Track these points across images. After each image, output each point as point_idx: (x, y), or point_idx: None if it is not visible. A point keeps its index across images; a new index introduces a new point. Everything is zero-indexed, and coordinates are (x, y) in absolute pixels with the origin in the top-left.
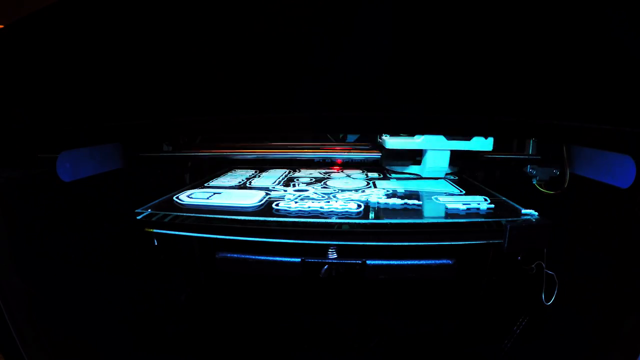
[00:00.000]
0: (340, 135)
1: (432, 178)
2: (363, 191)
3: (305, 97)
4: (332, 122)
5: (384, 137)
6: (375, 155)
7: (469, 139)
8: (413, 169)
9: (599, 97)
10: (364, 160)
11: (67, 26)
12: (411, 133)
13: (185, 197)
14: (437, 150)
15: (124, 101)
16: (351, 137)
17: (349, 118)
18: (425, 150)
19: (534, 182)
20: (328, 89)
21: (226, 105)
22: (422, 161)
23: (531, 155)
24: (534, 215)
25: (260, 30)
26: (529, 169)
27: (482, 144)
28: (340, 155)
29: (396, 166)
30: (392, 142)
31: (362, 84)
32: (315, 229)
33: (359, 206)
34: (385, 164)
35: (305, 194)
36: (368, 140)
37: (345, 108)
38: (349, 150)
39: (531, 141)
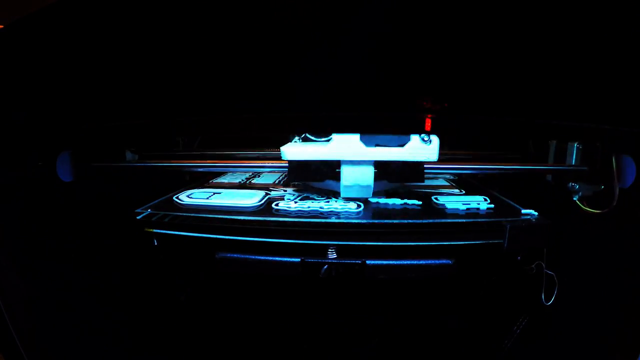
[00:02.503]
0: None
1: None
2: None
3: (304, 97)
4: (333, 122)
5: (287, 145)
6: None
7: (401, 145)
8: (330, 184)
9: (598, 97)
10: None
11: (66, 26)
12: (406, 132)
13: (185, 197)
14: (355, 162)
15: (124, 101)
16: None
17: (346, 118)
18: (342, 162)
19: (574, 199)
20: (327, 88)
21: (224, 105)
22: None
23: (574, 165)
24: (534, 215)
25: (259, 29)
26: (570, 184)
27: (420, 150)
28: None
29: (308, 182)
30: (294, 152)
31: (358, 84)
32: (315, 229)
33: (359, 206)
34: (291, 181)
35: (305, 194)
36: None
37: (342, 107)
38: None
39: (574, 149)
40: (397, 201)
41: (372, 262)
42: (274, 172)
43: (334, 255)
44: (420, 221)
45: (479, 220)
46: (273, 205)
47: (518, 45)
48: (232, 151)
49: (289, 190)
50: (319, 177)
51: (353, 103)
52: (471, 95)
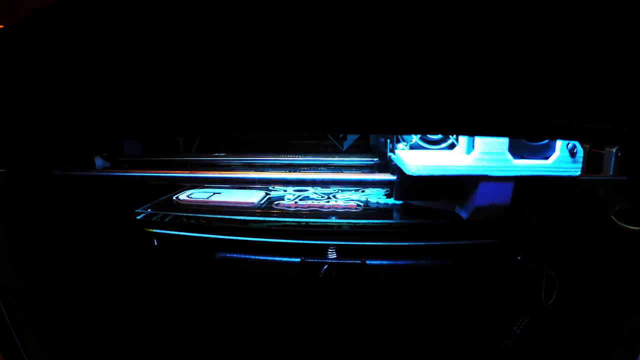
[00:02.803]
0: (340, 136)
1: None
2: (363, 191)
3: (306, 96)
4: (333, 122)
5: (400, 150)
6: (386, 177)
7: (546, 158)
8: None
9: (599, 97)
10: (363, 182)
11: (66, 26)
12: (409, 133)
13: (185, 197)
14: (497, 178)
15: (124, 101)
16: (351, 138)
17: (349, 118)
18: (473, 181)
19: (610, 215)
20: (330, 87)
21: (225, 105)
22: (470, 196)
23: (612, 176)
24: (534, 215)
25: (260, 28)
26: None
27: (564, 164)
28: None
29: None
30: (419, 167)
31: (363, 81)
32: (315, 229)
33: (359, 206)
34: (402, 199)
35: (305, 193)
36: (367, 148)
37: (346, 107)
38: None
39: (612, 156)
40: (398, 201)
41: (372, 262)
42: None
43: (334, 255)
44: (420, 221)
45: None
46: (273, 205)
47: (519, 43)
48: (230, 154)
49: (289, 190)
50: (441, 195)
51: (363, 100)
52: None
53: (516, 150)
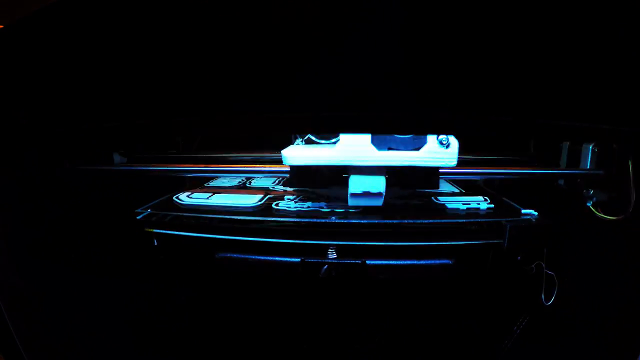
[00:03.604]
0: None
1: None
2: None
3: (306, 96)
4: (333, 122)
5: (287, 149)
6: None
7: (417, 148)
8: (337, 191)
9: (599, 97)
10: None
11: (67, 26)
12: (422, 133)
13: (185, 197)
14: (365, 168)
15: (124, 101)
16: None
17: (354, 117)
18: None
19: (588, 205)
20: (333, 84)
21: (225, 105)
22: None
23: (589, 170)
24: (533, 215)
25: (261, 29)
26: (584, 189)
27: (437, 154)
28: None
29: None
30: (296, 156)
31: (366, 78)
32: (315, 229)
33: (359, 206)
34: (293, 187)
35: (305, 193)
36: None
37: (349, 106)
38: None
39: (589, 152)
40: (397, 201)
41: (372, 262)
42: (274, 176)
43: (334, 255)
44: (420, 221)
45: (479, 220)
46: (273, 205)
47: (518, 43)
48: (231, 153)
49: (289, 189)
50: (323, 183)
51: (362, 100)
52: (482, 94)
53: (382, 143)
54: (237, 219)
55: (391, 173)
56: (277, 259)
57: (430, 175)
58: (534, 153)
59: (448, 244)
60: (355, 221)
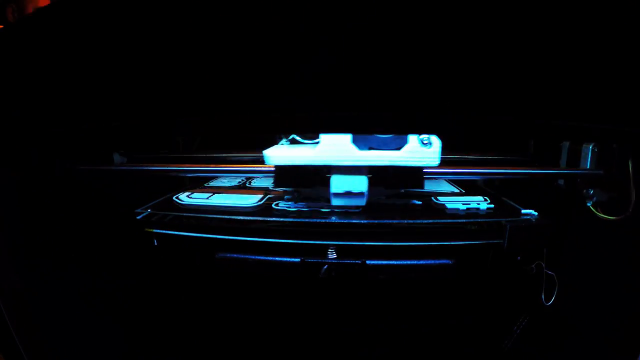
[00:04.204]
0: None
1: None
2: None
3: (287, 93)
4: (320, 122)
5: (270, 149)
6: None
7: (398, 148)
8: (321, 191)
9: (599, 96)
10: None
11: (67, 26)
12: (403, 133)
13: (185, 197)
14: (346, 168)
15: (125, 101)
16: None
17: (335, 117)
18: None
19: (588, 205)
20: (312, 82)
21: (222, 105)
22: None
23: (589, 170)
24: (534, 215)
25: (256, 30)
26: (584, 189)
27: (419, 154)
28: None
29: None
30: (278, 156)
31: (347, 76)
32: (315, 229)
33: (359, 206)
34: (277, 187)
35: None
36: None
37: (329, 105)
38: None
39: (589, 151)
40: (398, 201)
41: (372, 262)
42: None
43: (334, 255)
44: (420, 221)
45: (479, 220)
46: (273, 205)
47: (517, 42)
48: (231, 153)
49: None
50: (306, 183)
51: (343, 100)
52: (473, 92)
53: (363, 142)
54: (237, 219)
55: (374, 173)
56: (277, 259)
57: (413, 174)
58: (534, 153)
59: (448, 244)
60: (355, 221)
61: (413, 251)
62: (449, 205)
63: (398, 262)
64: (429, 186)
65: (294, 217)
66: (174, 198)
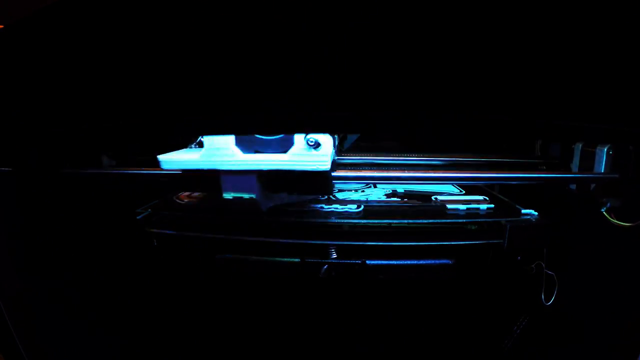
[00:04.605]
0: (340, 135)
1: None
2: (363, 191)
3: (302, 96)
4: (333, 122)
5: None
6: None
7: (284, 150)
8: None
9: (616, 96)
10: None
11: (67, 26)
12: (289, 132)
13: (185, 197)
14: (234, 172)
15: (125, 101)
16: (351, 138)
17: (343, 117)
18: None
19: (602, 211)
20: (328, 89)
21: (222, 105)
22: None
23: (604, 173)
24: (534, 215)
25: (255, 30)
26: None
27: (305, 157)
28: None
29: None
30: (169, 160)
31: (352, 81)
32: (315, 229)
33: (359, 206)
34: (179, 191)
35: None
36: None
37: (340, 107)
38: None
39: (604, 154)
40: (397, 201)
41: (372, 262)
42: None
43: (334, 255)
44: (420, 221)
45: (479, 220)
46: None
47: (518, 42)
48: None
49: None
50: (202, 188)
51: (344, 100)
52: (491, 93)
53: (248, 145)
54: (237, 219)
55: (265, 178)
56: (277, 259)
57: (314, 180)
58: (546, 155)
59: (448, 244)
60: (355, 221)
61: (413, 251)
62: (449, 206)
63: (398, 262)
64: (429, 186)
65: (294, 217)
66: (174, 198)
